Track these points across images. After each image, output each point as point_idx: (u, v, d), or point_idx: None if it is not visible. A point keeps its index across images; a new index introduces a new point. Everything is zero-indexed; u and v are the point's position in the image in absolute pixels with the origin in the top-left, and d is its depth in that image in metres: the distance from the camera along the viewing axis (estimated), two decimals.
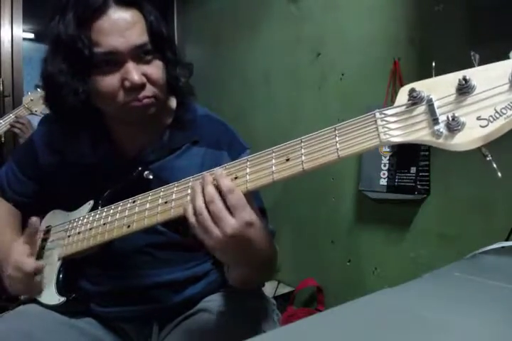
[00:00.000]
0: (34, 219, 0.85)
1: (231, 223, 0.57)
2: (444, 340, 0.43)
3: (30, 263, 0.80)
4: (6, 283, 0.83)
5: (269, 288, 1.76)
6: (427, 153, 1.34)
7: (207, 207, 0.58)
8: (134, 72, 0.73)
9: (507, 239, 0.92)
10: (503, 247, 0.73)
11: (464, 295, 0.55)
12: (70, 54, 0.73)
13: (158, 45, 0.77)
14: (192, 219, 0.60)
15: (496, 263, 0.69)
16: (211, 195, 0.58)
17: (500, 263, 0.69)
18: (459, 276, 0.60)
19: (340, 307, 0.50)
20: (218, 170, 0.61)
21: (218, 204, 0.58)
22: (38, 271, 0.81)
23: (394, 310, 0.50)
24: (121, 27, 0.72)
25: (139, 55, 0.74)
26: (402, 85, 1.42)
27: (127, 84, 0.73)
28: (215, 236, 0.58)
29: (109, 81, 0.73)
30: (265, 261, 0.69)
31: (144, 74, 0.75)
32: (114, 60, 0.73)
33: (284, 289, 1.83)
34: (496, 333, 0.44)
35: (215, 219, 0.58)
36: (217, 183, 0.59)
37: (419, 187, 1.34)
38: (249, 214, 0.58)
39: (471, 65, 0.46)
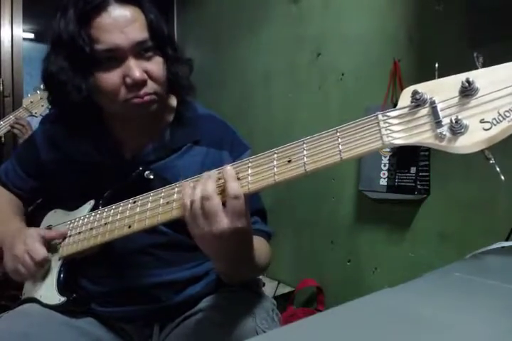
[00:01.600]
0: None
1: (223, 226, 0.57)
2: (444, 340, 0.43)
3: (42, 251, 0.77)
4: (7, 262, 0.80)
5: (269, 288, 1.76)
6: (426, 153, 1.33)
7: (202, 203, 0.58)
8: (136, 69, 0.73)
9: (507, 239, 0.92)
10: (503, 247, 0.73)
11: (464, 295, 0.55)
12: (71, 51, 0.73)
13: (159, 41, 0.77)
14: (186, 212, 0.60)
15: (496, 263, 0.69)
16: (208, 193, 0.58)
17: (501, 263, 0.69)
18: (459, 276, 0.60)
19: (340, 307, 0.50)
20: (229, 170, 0.60)
21: (214, 202, 0.57)
22: (45, 262, 0.79)
23: (394, 310, 0.50)
24: (122, 23, 0.72)
25: (140, 51, 0.75)
26: (402, 85, 1.43)
27: (129, 80, 0.73)
28: (202, 230, 0.59)
29: (111, 78, 0.74)
30: (245, 262, 0.71)
31: (145, 71, 0.75)
32: (115, 57, 0.73)
33: (284, 289, 1.83)
34: (496, 333, 0.44)
35: (208, 215, 0.58)
36: (225, 184, 0.58)
37: (419, 187, 1.34)
38: (242, 222, 0.58)
39: (471, 65, 0.45)
